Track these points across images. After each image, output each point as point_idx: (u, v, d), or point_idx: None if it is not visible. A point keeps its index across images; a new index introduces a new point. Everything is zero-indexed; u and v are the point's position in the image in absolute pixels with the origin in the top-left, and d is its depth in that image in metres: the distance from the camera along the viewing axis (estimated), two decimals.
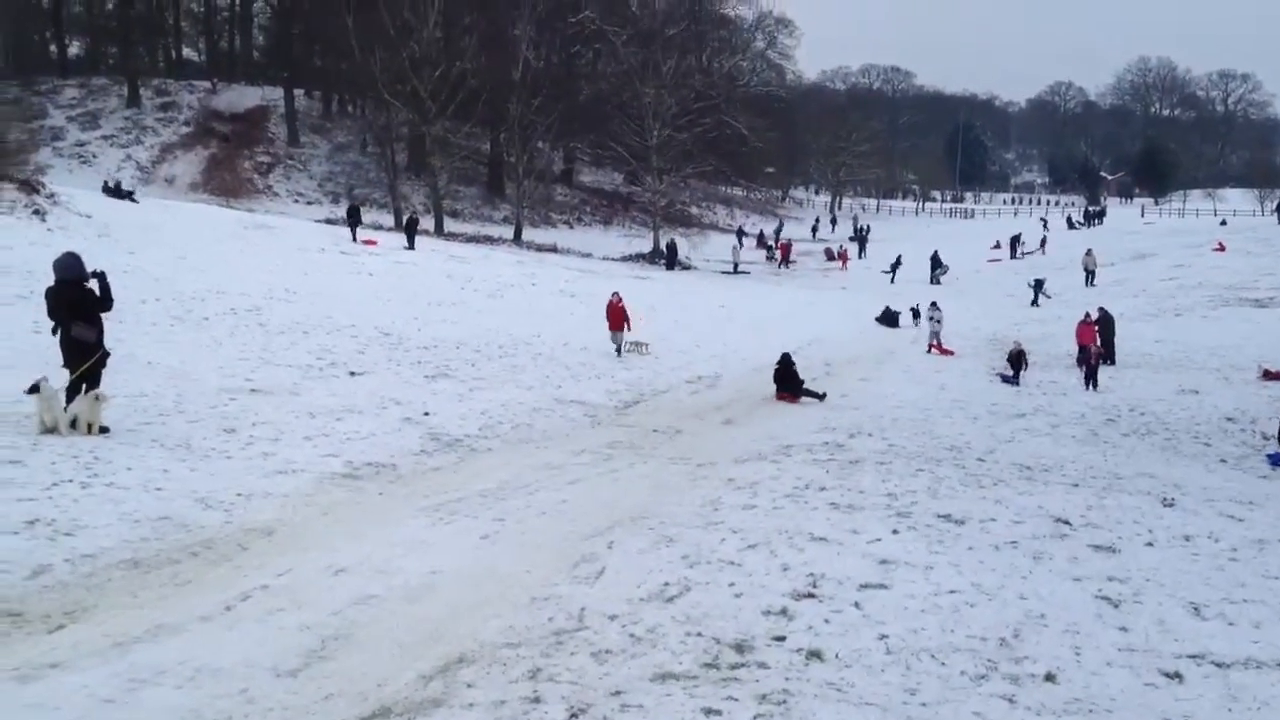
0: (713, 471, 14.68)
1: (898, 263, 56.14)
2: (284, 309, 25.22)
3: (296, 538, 10.54)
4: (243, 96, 78.95)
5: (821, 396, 23.09)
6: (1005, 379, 26.04)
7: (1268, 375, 25.89)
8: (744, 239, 70.66)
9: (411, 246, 43.71)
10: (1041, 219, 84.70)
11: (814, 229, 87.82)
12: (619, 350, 26.58)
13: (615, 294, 27.61)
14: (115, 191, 43.63)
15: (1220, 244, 57.22)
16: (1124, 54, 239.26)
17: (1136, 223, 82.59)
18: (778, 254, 66.85)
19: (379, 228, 53.30)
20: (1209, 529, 12.03)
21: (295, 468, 12.98)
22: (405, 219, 50.51)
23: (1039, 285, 44.92)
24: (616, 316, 26.77)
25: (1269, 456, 17.67)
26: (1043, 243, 65.59)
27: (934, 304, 32.87)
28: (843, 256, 66.17)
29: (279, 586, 9.04)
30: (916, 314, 39.13)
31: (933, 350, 31.34)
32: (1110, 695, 7.42)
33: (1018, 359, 26.10)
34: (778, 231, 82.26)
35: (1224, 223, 74.48)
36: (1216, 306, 39.32)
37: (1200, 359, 29.01)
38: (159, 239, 31.75)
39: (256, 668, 7.41)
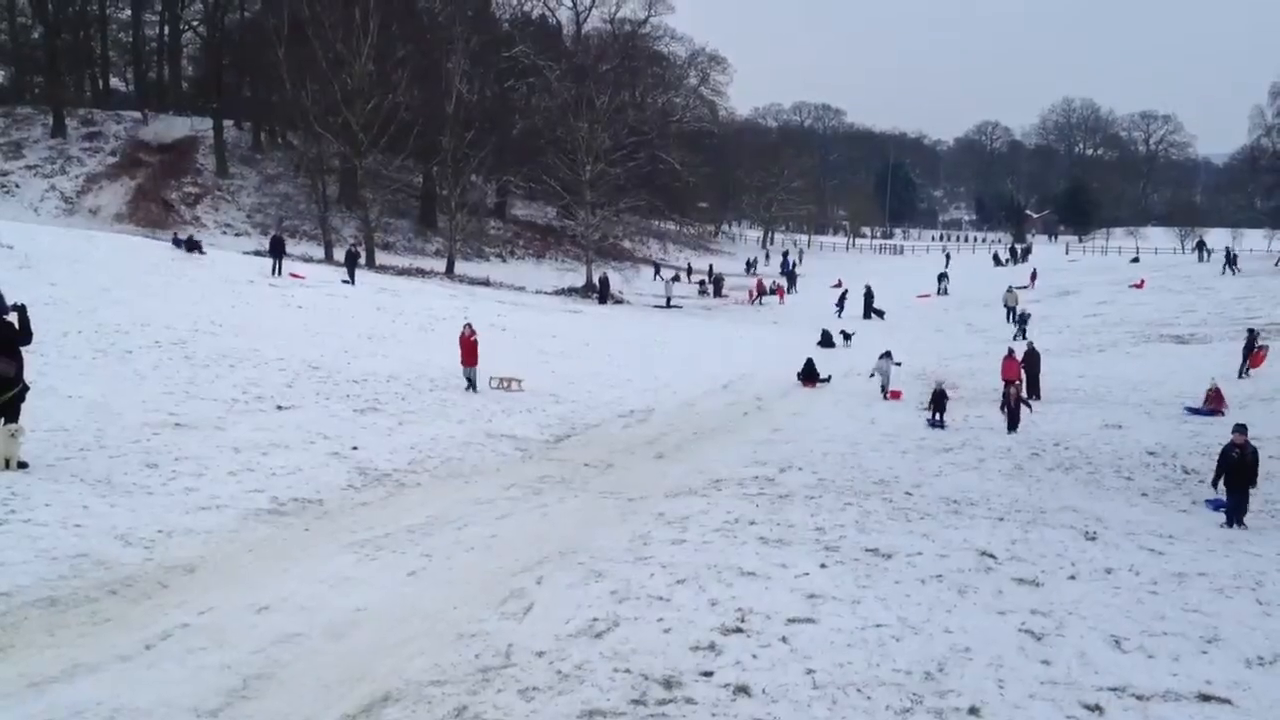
0: (643, 506, 14.69)
1: (843, 297, 56.72)
2: (210, 342, 24.87)
3: (219, 575, 10.38)
4: (171, 127, 78.01)
5: (827, 380, 31.67)
6: (930, 422, 25.19)
7: (1211, 398, 25.90)
8: (661, 272, 71.27)
9: (352, 281, 42.89)
10: (1019, 246, 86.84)
11: (749, 264, 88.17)
12: (472, 385, 24.86)
13: (468, 325, 26.15)
14: (188, 244, 42.50)
15: (1141, 280, 58.50)
16: (1049, 94, 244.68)
17: (1061, 260, 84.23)
18: (769, 290, 66.97)
19: (309, 260, 52.84)
20: (1130, 562, 12.24)
21: (219, 503, 12.79)
22: (346, 252, 48.96)
23: (1024, 319, 45.31)
24: (469, 350, 25.18)
25: (1208, 502, 17.12)
26: (1033, 276, 66.00)
27: (888, 353, 31.12)
28: (779, 291, 66.59)
29: (200, 625, 8.89)
30: (847, 336, 43.17)
31: (889, 397, 29.74)
32: None
33: (939, 398, 25.36)
34: (751, 265, 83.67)
35: (1136, 259, 76.52)
36: (1139, 342, 40.09)
37: (1123, 394, 29.49)
38: (82, 270, 31.22)
39: (176, 708, 7.28)
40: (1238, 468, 15.58)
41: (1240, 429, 15.93)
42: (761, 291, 65.48)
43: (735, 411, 26.54)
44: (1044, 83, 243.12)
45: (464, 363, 25.21)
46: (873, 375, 30.99)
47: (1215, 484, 16.07)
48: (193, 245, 43.06)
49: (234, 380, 21.42)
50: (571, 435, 21.69)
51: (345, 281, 42.55)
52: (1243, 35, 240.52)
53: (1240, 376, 30.30)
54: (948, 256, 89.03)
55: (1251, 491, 15.77)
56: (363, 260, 52.46)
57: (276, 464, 15.30)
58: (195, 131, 77.12)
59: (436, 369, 26.59)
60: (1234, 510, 15.72)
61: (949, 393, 26.40)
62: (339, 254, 54.46)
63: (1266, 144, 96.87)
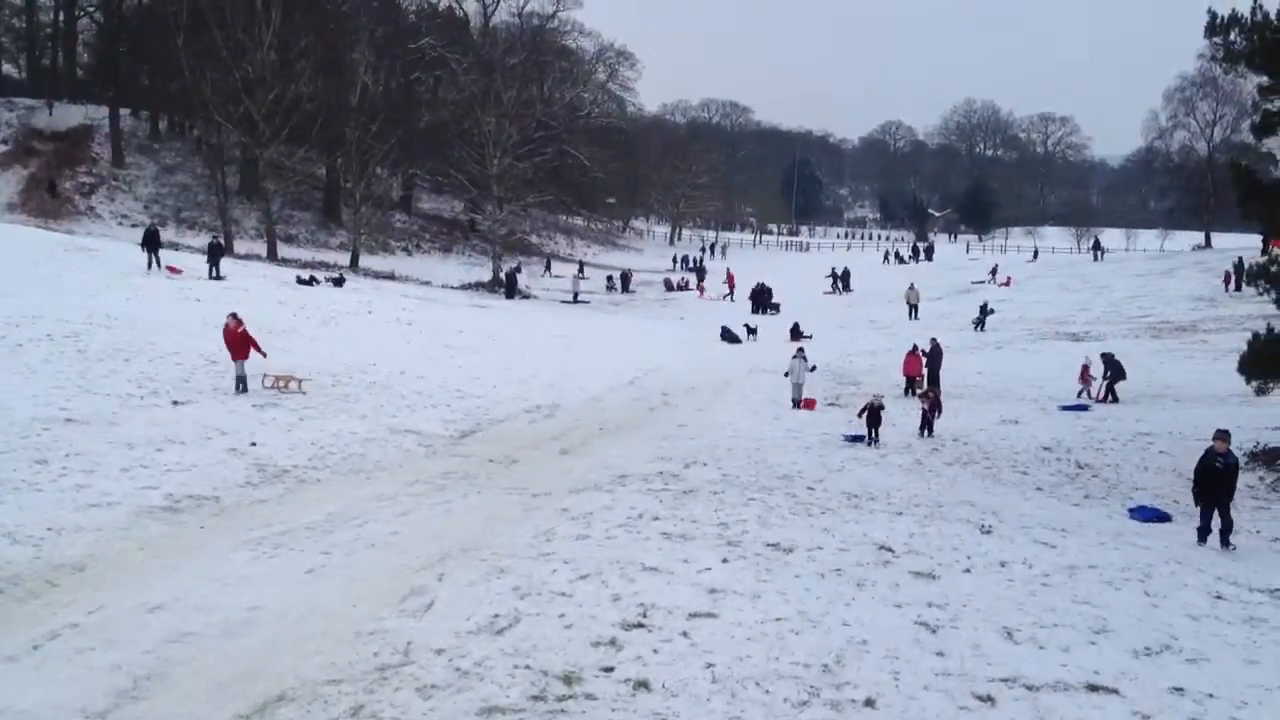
0: (547, 502, 14.67)
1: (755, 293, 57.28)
2: (104, 335, 24.26)
3: (110, 573, 10.15)
4: (66, 115, 75.74)
5: (810, 337, 32.65)
6: (853, 438, 22.53)
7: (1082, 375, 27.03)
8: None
9: (217, 276, 38.43)
10: (921, 245, 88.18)
11: (683, 260, 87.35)
12: (241, 384, 21.53)
13: (232, 315, 22.49)
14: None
15: (1008, 278, 60.38)
16: (951, 95, 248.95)
17: (962, 258, 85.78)
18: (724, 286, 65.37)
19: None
20: (1023, 555, 12.52)
21: (110, 500, 12.52)
22: (208, 243, 42.26)
23: (984, 309, 45.98)
24: (236, 343, 21.76)
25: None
26: (993, 271, 67.08)
27: (801, 350, 29.04)
28: (689, 286, 66.66)
29: (90, 624, 8.70)
30: (751, 331, 43.66)
31: (801, 406, 27.33)
32: (926, 719, 7.64)
33: (875, 415, 22.31)
34: (696, 262, 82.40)
35: (1035, 254, 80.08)
36: (1035, 340, 41.02)
37: (1020, 390, 30.12)
38: None
39: (64, 709, 7.13)
40: (1220, 478, 13.95)
41: (1223, 435, 14.23)
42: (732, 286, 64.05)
43: (641, 407, 26.61)
44: (946, 84, 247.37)
45: (233, 358, 21.83)
46: (787, 374, 28.38)
47: (1197, 500, 14.34)
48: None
49: (128, 375, 20.95)
50: (477, 431, 21.59)
51: (214, 278, 38.20)
52: (1140, 40, 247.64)
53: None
54: (890, 254, 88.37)
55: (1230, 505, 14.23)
56: (259, 252, 49.55)
57: (171, 460, 15.02)
58: (91, 120, 74.98)
59: (339, 364, 26.27)
60: (1207, 527, 14.23)
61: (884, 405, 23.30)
62: (240, 246, 52.44)
63: (1160, 146, 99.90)
